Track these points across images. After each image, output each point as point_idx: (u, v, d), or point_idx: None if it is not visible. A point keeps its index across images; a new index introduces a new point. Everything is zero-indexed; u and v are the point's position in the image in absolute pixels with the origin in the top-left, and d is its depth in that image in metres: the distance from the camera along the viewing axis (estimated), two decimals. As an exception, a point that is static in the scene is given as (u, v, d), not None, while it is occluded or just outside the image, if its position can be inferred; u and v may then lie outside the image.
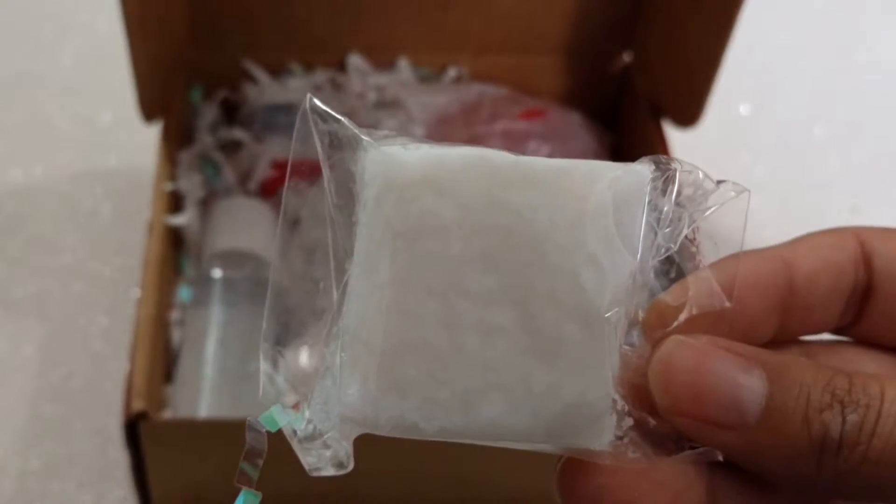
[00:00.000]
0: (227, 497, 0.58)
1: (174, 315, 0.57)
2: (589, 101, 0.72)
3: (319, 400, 0.24)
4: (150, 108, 0.60)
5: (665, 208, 0.24)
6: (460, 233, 0.23)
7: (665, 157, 0.24)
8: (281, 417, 0.24)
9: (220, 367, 0.54)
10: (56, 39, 0.79)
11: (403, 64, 0.70)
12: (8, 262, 0.65)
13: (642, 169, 0.24)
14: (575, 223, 0.23)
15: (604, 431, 0.23)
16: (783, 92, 0.81)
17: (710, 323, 0.24)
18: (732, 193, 0.24)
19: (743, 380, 0.22)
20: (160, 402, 0.53)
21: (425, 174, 0.23)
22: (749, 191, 0.24)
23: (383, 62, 0.70)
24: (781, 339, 0.26)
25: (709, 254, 0.24)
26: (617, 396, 0.23)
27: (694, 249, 0.24)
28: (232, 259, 0.58)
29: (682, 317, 0.24)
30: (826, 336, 0.27)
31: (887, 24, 0.88)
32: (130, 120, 0.61)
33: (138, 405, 0.46)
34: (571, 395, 0.23)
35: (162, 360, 0.55)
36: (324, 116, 0.24)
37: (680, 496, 0.23)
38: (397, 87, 0.69)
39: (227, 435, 0.49)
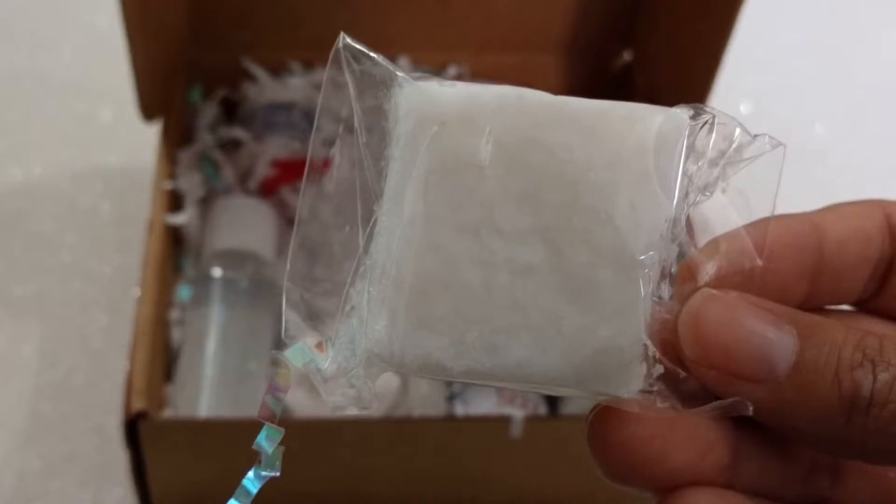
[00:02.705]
0: (227, 496, 0.58)
1: (174, 314, 0.57)
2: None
3: (345, 338, 0.23)
4: (150, 107, 0.60)
5: (702, 157, 0.23)
6: (495, 170, 0.23)
7: (703, 105, 0.23)
8: (305, 354, 0.23)
9: (220, 366, 0.54)
10: (56, 38, 0.79)
11: (403, 62, 0.70)
12: (8, 261, 0.65)
13: (682, 114, 0.23)
14: (611, 164, 0.23)
15: (633, 379, 0.23)
16: (784, 90, 0.81)
17: (740, 281, 0.23)
18: (769, 147, 0.24)
19: (773, 335, 0.22)
20: (160, 401, 0.53)
21: (461, 110, 0.23)
22: (784, 145, 0.24)
23: (383, 60, 0.70)
24: (808, 306, 0.25)
25: (741, 209, 0.24)
26: (648, 343, 0.23)
27: (727, 202, 0.24)
28: (231, 258, 0.58)
29: (713, 272, 0.23)
30: (845, 308, 0.27)
31: (888, 22, 0.88)
32: (130, 118, 0.60)
33: (138, 404, 0.46)
34: (602, 339, 0.22)
35: (162, 359, 0.55)
36: (356, 55, 0.24)
37: (707, 453, 0.23)
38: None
39: (226, 434, 0.49)
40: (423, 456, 0.51)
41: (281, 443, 0.24)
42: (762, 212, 0.24)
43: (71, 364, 0.60)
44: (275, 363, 0.23)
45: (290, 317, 0.24)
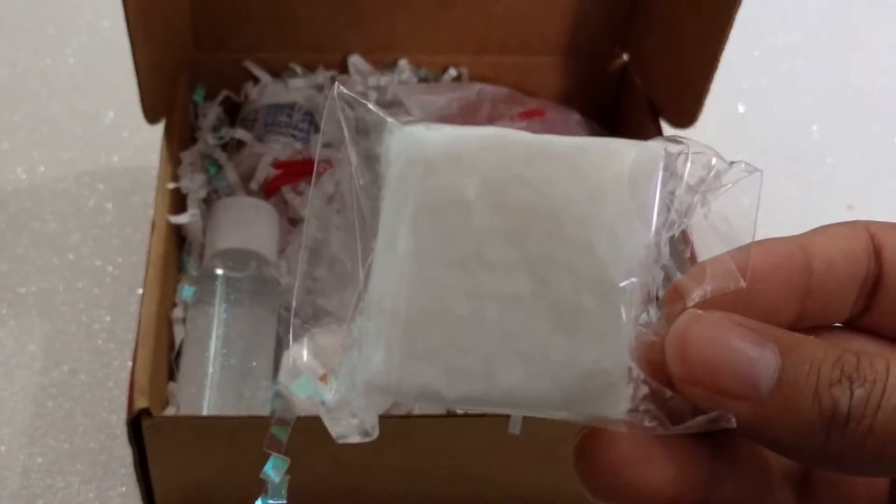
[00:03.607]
0: (229, 493, 0.58)
1: (177, 313, 0.58)
2: (587, 100, 0.72)
3: (346, 371, 0.25)
4: (154, 108, 0.60)
5: (678, 186, 0.25)
6: (481, 207, 0.24)
7: (678, 137, 0.25)
8: (309, 387, 0.25)
9: (223, 364, 0.55)
10: (60, 38, 0.79)
11: (403, 64, 0.70)
12: (12, 260, 0.65)
13: (656, 146, 0.25)
14: (592, 197, 0.24)
15: (620, 400, 0.24)
16: (780, 91, 0.81)
17: (726, 303, 0.24)
18: (745, 173, 0.25)
19: (757, 353, 0.23)
20: (163, 399, 0.54)
21: (447, 151, 0.24)
22: (761, 171, 0.25)
23: (383, 63, 0.71)
24: (798, 327, 0.26)
25: (723, 235, 0.25)
26: (633, 364, 0.24)
27: (711, 228, 0.25)
28: (234, 258, 0.58)
29: (700, 295, 0.24)
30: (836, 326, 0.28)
31: (883, 23, 0.88)
32: (134, 119, 0.61)
33: (141, 402, 0.46)
34: (588, 363, 0.24)
35: (165, 357, 0.55)
36: (350, 103, 0.25)
37: (686, 473, 0.24)
38: (397, 88, 0.69)
39: (229, 432, 0.49)
40: (422, 453, 0.51)
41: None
42: (744, 236, 0.25)
43: (75, 362, 0.61)
44: (280, 396, 0.25)
45: (295, 352, 0.26)
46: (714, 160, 0.25)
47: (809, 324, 0.26)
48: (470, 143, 0.24)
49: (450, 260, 0.24)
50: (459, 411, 0.55)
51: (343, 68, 0.70)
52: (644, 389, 0.24)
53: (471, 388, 0.24)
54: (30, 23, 0.81)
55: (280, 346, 0.57)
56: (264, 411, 0.54)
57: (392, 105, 0.69)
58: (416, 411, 0.54)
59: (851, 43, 0.86)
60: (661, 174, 0.24)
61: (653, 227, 0.24)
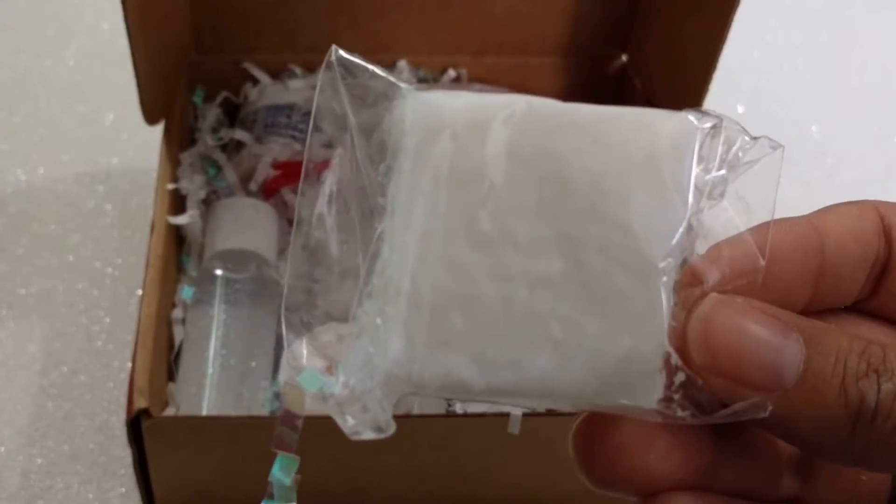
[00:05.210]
0: (229, 493, 0.58)
1: (176, 313, 0.58)
2: (587, 101, 0.70)
3: (356, 361, 0.23)
4: (153, 109, 0.60)
5: (712, 162, 0.23)
6: (507, 181, 0.22)
7: (707, 110, 0.23)
8: (317, 379, 0.23)
9: (222, 364, 0.55)
10: (60, 40, 0.79)
11: (402, 65, 0.70)
12: (12, 262, 0.65)
13: (691, 118, 0.23)
14: (625, 171, 0.22)
15: (654, 388, 0.22)
16: (780, 91, 0.81)
17: (744, 286, 0.23)
18: (769, 149, 0.23)
19: (782, 343, 0.22)
20: (163, 399, 0.54)
21: (470, 120, 0.22)
22: (784, 147, 0.23)
23: (383, 63, 0.70)
24: (808, 311, 0.25)
25: (741, 213, 0.24)
26: (671, 350, 0.22)
27: (727, 207, 0.23)
28: (233, 258, 0.58)
29: (717, 278, 0.23)
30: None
31: (883, 23, 0.88)
32: (133, 120, 0.61)
33: (141, 403, 0.46)
34: (624, 348, 0.22)
35: (164, 358, 0.55)
36: (351, 69, 0.23)
37: (689, 458, 0.23)
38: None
39: (228, 432, 0.49)
40: (421, 453, 0.51)
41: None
42: (761, 215, 0.24)
43: (75, 363, 0.61)
44: (288, 390, 0.23)
45: (292, 342, 0.23)
46: (739, 135, 0.23)
47: (819, 307, 0.25)
48: (494, 111, 0.22)
49: (474, 238, 0.22)
50: (459, 410, 0.55)
51: (342, 69, 0.70)
52: (681, 377, 0.22)
53: (499, 377, 0.22)
54: (30, 24, 0.81)
55: (279, 347, 0.57)
56: (264, 412, 0.54)
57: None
58: (416, 411, 0.54)
59: (851, 43, 0.86)
60: (697, 149, 0.23)
61: (689, 206, 0.22)
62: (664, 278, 0.22)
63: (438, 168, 0.22)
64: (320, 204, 0.23)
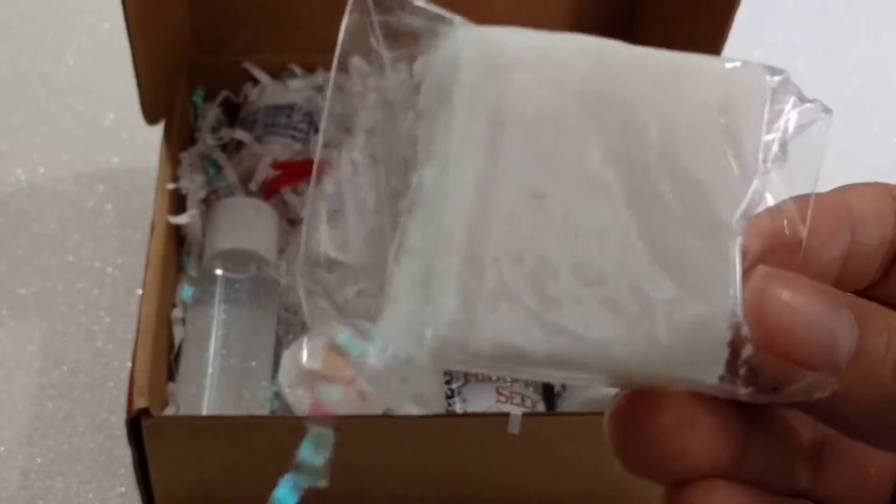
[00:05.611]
0: (229, 493, 0.58)
1: (176, 313, 0.58)
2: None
3: (397, 325, 0.20)
4: (153, 109, 0.60)
5: (777, 121, 0.22)
6: (571, 126, 0.20)
7: (774, 66, 0.22)
8: (358, 344, 0.20)
9: (222, 364, 0.55)
10: (59, 40, 0.79)
11: (402, 65, 0.70)
12: (12, 261, 0.65)
13: (762, 70, 0.22)
14: (695, 124, 0.21)
15: (718, 360, 0.20)
16: (780, 91, 0.81)
17: (785, 259, 0.22)
18: (822, 113, 0.22)
19: (835, 321, 0.20)
20: (163, 399, 0.54)
21: (535, 58, 0.21)
22: (832, 111, 0.22)
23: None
24: None
25: (784, 180, 0.23)
26: (742, 319, 0.20)
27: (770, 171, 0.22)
28: (233, 258, 0.58)
29: (758, 248, 0.22)
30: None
31: (884, 23, 0.88)
32: (133, 120, 0.61)
33: (141, 402, 0.46)
34: (695, 316, 0.20)
35: (164, 357, 0.55)
36: (384, 3, 0.21)
37: (728, 445, 0.22)
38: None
39: (228, 432, 0.49)
40: (421, 453, 0.51)
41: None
42: (802, 185, 0.23)
43: (74, 363, 0.61)
44: (339, 351, 0.20)
45: (312, 304, 0.21)
46: (793, 97, 0.22)
47: (844, 287, 0.24)
48: (560, 50, 0.21)
49: (537, 189, 0.20)
50: (459, 410, 0.55)
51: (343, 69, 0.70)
52: (748, 350, 0.20)
53: (559, 344, 0.20)
54: (30, 24, 0.81)
55: (279, 347, 0.57)
56: (264, 411, 0.54)
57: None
58: (416, 411, 0.54)
59: (851, 43, 0.86)
60: (768, 106, 0.21)
61: (759, 166, 0.21)
62: (738, 240, 0.21)
63: (497, 109, 0.20)
64: (346, 158, 0.22)
